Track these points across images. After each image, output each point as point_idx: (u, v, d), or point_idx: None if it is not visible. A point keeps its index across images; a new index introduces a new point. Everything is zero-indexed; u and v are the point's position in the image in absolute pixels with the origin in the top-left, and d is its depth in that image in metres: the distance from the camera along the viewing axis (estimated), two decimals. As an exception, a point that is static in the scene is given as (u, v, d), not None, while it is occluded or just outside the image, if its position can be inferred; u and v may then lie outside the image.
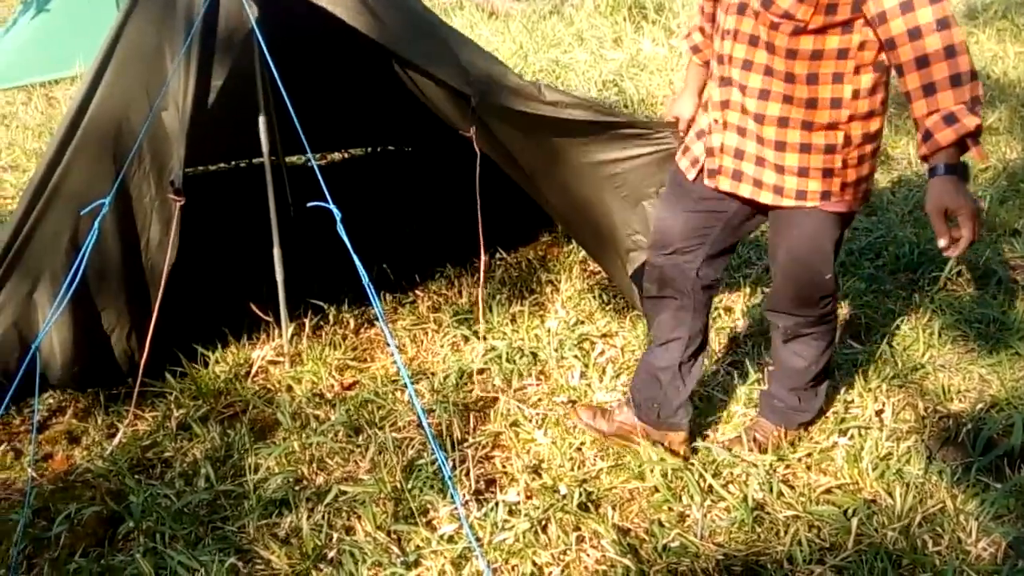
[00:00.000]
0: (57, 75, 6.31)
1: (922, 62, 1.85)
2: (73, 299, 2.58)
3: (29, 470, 2.58)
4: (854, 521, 2.32)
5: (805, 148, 2.11)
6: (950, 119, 1.84)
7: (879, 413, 2.77)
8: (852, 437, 2.66)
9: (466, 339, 3.20)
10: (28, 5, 6.70)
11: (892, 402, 2.81)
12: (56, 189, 2.65)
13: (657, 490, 2.47)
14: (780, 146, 2.13)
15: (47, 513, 2.47)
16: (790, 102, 2.08)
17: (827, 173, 2.13)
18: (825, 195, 2.16)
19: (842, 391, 2.87)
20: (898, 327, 3.22)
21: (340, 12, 2.56)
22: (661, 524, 2.36)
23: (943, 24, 1.83)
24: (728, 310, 3.40)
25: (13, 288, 2.67)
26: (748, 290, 3.48)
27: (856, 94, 2.06)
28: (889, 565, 2.20)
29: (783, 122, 2.10)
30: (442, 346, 3.20)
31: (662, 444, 2.59)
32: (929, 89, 1.85)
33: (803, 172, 2.14)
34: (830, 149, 2.10)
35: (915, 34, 1.84)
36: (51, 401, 2.92)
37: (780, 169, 2.15)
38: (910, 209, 4.10)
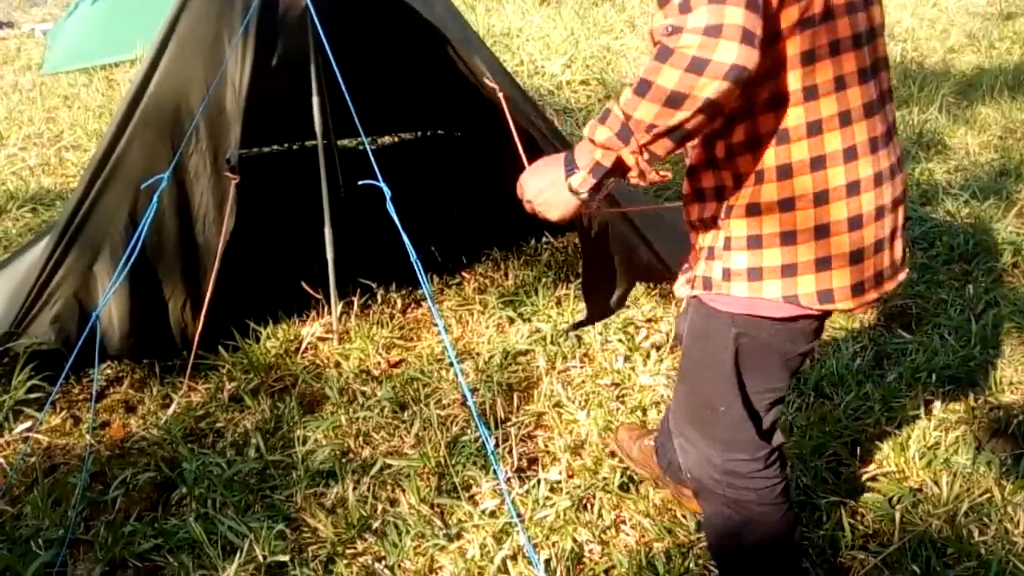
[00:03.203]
0: (117, 58, 6.44)
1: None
2: (131, 272, 2.66)
3: (87, 436, 2.67)
4: (899, 509, 2.30)
5: None
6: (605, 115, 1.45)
7: (928, 403, 2.73)
8: (900, 426, 2.64)
9: (511, 320, 3.23)
10: (90, -10, 6.87)
11: (941, 392, 2.77)
12: (116, 167, 2.73)
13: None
14: None
15: (104, 478, 2.55)
16: None
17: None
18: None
19: (890, 379, 2.84)
20: (950, 318, 3.17)
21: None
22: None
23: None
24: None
25: (74, 260, 2.77)
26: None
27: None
28: (933, 553, 2.18)
29: None
30: (487, 327, 3.23)
31: (676, 497, 2.36)
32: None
33: None
34: None
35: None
36: (109, 371, 3.02)
37: None
38: (965, 199, 4.02)
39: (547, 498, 2.38)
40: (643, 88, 1.36)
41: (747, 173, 1.55)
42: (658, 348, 3.03)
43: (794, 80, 1.48)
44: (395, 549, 2.24)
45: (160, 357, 2.98)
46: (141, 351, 2.94)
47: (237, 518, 2.34)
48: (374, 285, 3.39)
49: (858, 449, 2.56)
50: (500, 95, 2.65)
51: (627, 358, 3.00)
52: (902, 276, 1.69)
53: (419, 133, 4.91)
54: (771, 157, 1.52)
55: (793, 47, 1.46)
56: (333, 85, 2.71)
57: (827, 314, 1.66)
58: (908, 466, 2.47)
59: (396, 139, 4.89)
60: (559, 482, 2.46)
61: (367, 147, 2.58)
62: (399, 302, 3.40)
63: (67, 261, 2.77)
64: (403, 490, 2.44)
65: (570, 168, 1.53)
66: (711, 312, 1.67)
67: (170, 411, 2.81)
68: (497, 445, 2.60)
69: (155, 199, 2.59)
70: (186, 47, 2.68)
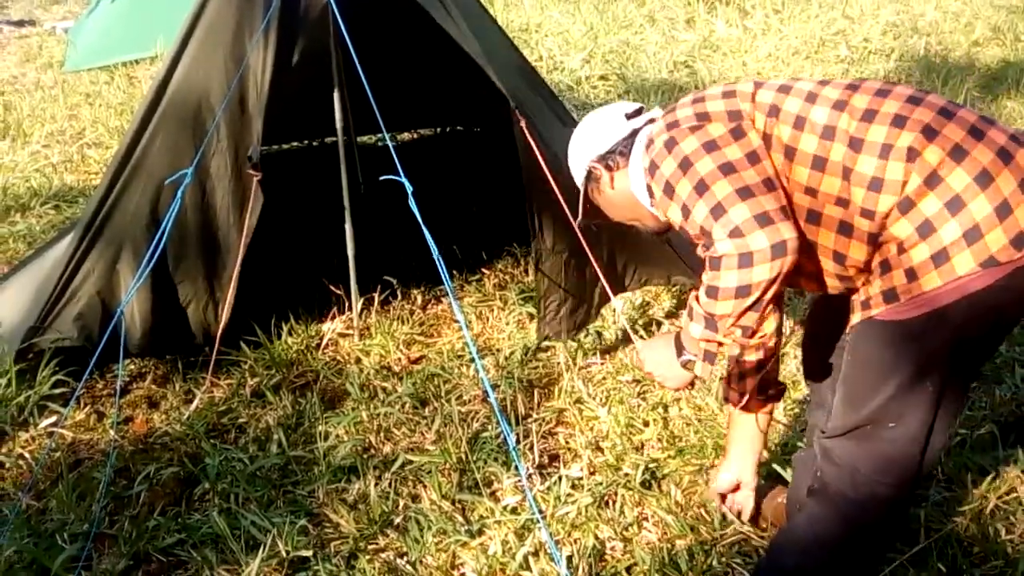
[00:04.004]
0: (138, 55, 6.47)
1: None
2: (153, 270, 2.67)
3: (111, 432, 2.70)
4: (924, 508, 2.28)
5: None
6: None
7: (952, 400, 2.71)
8: (923, 423, 2.61)
9: (531, 316, 3.23)
10: (111, -12, 6.91)
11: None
12: (138, 164, 2.75)
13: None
14: None
15: (127, 473, 2.57)
16: None
17: None
18: None
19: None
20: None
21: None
22: (724, 504, 2.34)
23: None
24: (799, 294, 3.35)
25: (97, 258, 2.79)
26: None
27: None
28: (959, 552, 2.16)
29: None
30: (507, 323, 3.23)
31: None
32: None
33: None
34: None
35: None
36: (132, 367, 3.04)
37: None
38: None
39: (569, 495, 2.38)
40: (712, 292, 1.59)
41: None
42: None
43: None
44: (417, 545, 2.24)
45: (183, 353, 3.00)
46: (164, 347, 2.96)
47: (260, 513, 2.35)
48: (394, 281, 3.39)
49: (882, 447, 2.54)
50: (522, 123, 2.65)
51: (648, 354, 2.99)
52: None
53: (438, 129, 4.91)
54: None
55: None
56: (353, 81, 2.71)
57: None
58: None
59: (415, 135, 4.90)
60: (581, 479, 2.45)
61: (389, 143, 2.58)
62: (419, 298, 3.40)
63: (90, 258, 2.79)
64: (424, 486, 2.45)
65: (680, 353, 1.75)
66: (891, 328, 1.61)
67: (193, 407, 2.82)
68: (518, 441, 2.59)
69: (179, 195, 2.60)
70: (207, 44, 2.69)
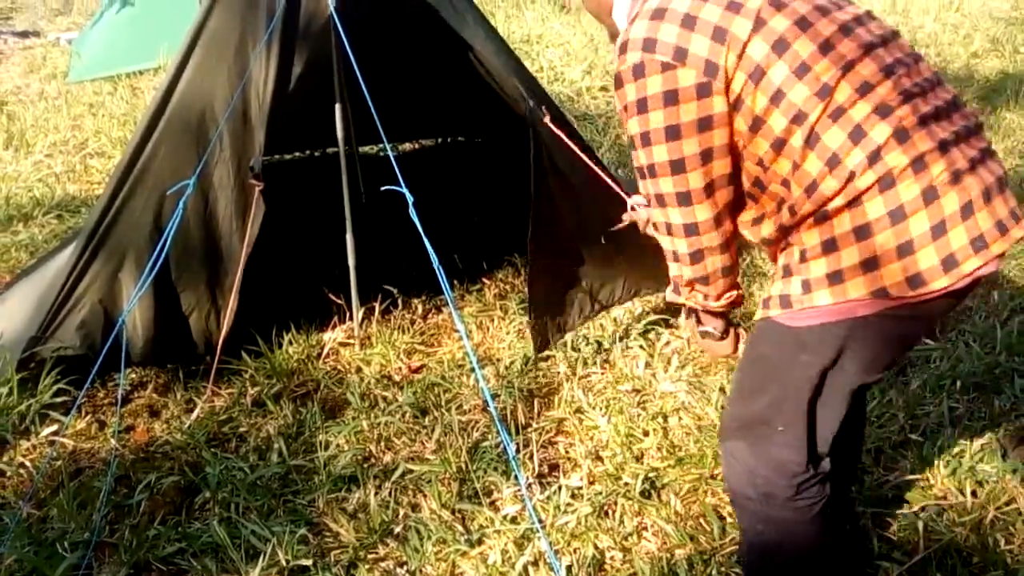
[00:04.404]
0: (141, 66, 6.52)
1: None
2: (155, 279, 2.68)
3: (112, 441, 2.70)
4: (924, 518, 2.29)
5: None
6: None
7: (952, 410, 2.71)
8: (924, 433, 2.62)
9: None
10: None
11: (966, 399, 2.75)
12: (141, 174, 2.76)
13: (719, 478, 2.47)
14: None
15: (128, 482, 2.58)
16: None
17: None
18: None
19: (914, 386, 2.81)
20: (975, 324, 3.15)
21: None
22: (720, 516, 2.35)
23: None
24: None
25: (100, 267, 2.80)
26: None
27: None
28: (959, 562, 2.16)
29: None
30: (508, 333, 3.23)
31: None
32: None
33: None
34: None
35: None
36: (133, 376, 3.04)
37: None
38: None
39: (568, 504, 2.38)
40: (665, 254, 1.75)
41: (804, 186, 1.56)
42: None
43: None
44: (416, 554, 2.24)
45: (184, 362, 3.01)
46: (165, 356, 2.97)
47: (260, 522, 2.36)
48: (395, 291, 3.40)
49: (882, 457, 2.55)
50: (547, 119, 2.66)
51: (648, 364, 3.00)
52: (1003, 246, 1.53)
53: (440, 139, 4.93)
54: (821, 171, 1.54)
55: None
56: (355, 92, 2.73)
57: (927, 311, 1.57)
58: (933, 474, 2.45)
59: (417, 146, 4.92)
60: (580, 488, 2.46)
61: (390, 153, 2.59)
62: (420, 308, 3.41)
63: (93, 267, 2.80)
64: (424, 495, 2.45)
65: (698, 323, 1.92)
66: (783, 331, 1.63)
67: (194, 416, 2.83)
68: (518, 451, 2.60)
69: (180, 205, 2.62)
70: (211, 55, 2.71)
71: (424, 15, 2.74)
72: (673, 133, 1.56)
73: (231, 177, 2.79)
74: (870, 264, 1.51)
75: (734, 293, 1.80)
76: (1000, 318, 3.16)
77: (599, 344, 3.12)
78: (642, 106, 1.57)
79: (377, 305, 3.31)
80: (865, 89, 1.51)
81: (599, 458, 2.58)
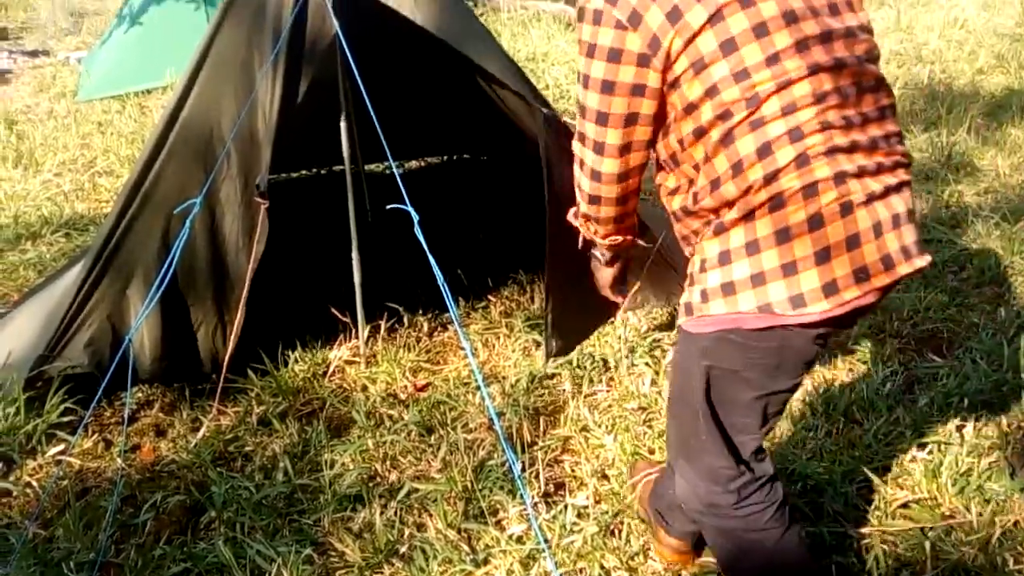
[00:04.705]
0: (150, 85, 6.56)
1: None
2: (163, 296, 2.70)
3: (118, 460, 2.70)
4: (931, 537, 2.27)
5: None
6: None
7: (960, 428, 2.70)
8: (931, 452, 2.60)
9: (537, 344, 3.23)
10: (123, 19, 7.01)
11: (974, 417, 2.74)
12: (149, 192, 2.78)
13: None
14: None
15: (134, 501, 2.58)
16: None
17: None
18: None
19: (921, 404, 2.80)
20: (982, 342, 3.13)
21: (407, 11, 2.65)
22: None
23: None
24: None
25: (108, 285, 2.81)
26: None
27: None
28: (967, 582, 2.15)
29: None
30: (513, 350, 3.23)
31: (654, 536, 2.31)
32: None
33: None
34: None
35: None
36: (140, 395, 3.05)
37: None
38: (996, 221, 3.98)
39: (574, 524, 2.37)
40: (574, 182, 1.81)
41: (708, 195, 1.64)
42: None
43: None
44: (422, 574, 2.24)
45: (190, 381, 3.01)
46: (172, 375, 2.98)
47: (265, 542, 2.35)
48: (401, 309, 3.41)
49: (889, 475, 2.53)
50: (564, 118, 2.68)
51: (654, 381, 2.99)
52: (885, 280, 1.59)
53: (445, 157, 4.95)
54: (728, 181, 1.60)
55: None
56: (361, 110, 2.75)
57: (816, 341, 1.64)
58: (940, 493, 2.44)
59: (423, 163, 4.93)
60: (586, 507, 2.45)
61: (395, 172, 2.61)
62: (426, 325, 3.41)
63: (101, 285, 2.81)
64: (430, 515, 2.44)
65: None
66: (689, 338, 1.72)
67: (200, 435, 2.83)
68: (524, 470, 2.59)
69: (187, 224, 2.63)
70: (218, 74, 2.73)
71: (428, 33, 2.76)
72: (607, 88, 1.61)
73: (238, 195, 2.80)
74: (757, 279, 1.57)
75: (619, 238, 1.90)
76: (1007, 335, 3.15)
77: (604, 362, 3.11)
78: (590, 51, 1.61)
79: (383, 323, 3.31)
80: (789, 109, 1.54)
81: (605, 477, 2.58)
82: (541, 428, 2.79)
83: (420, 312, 3.45)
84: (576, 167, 1.77)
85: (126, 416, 2.83)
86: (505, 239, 3.98)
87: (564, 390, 2.97)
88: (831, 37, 1.59)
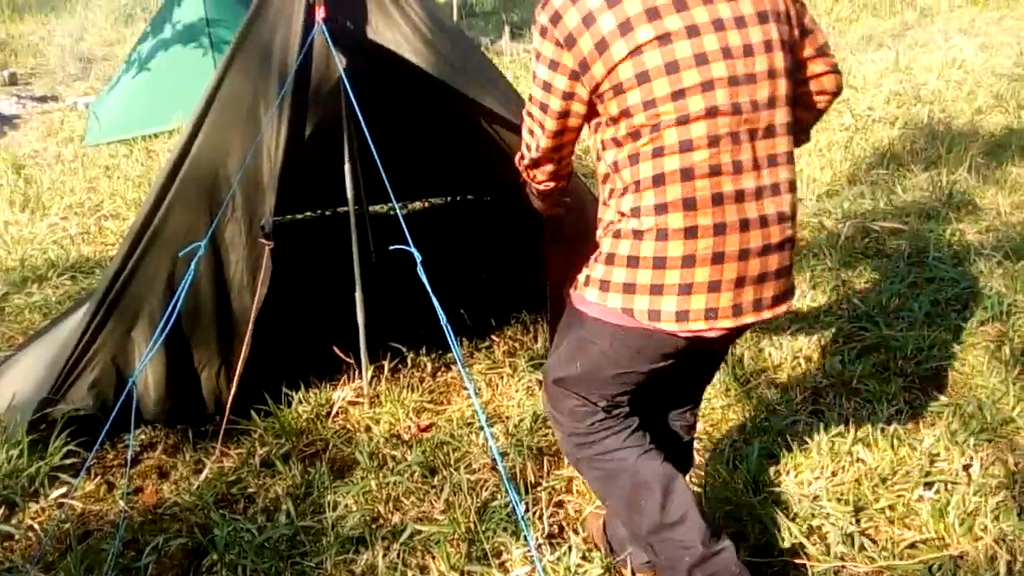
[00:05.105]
0: (157, 129, 6.63)
1: None
2: (167, 338, 2.70)
3: (121, 503, 2.69)
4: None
5: None
6: None
7: (966, 467, 2.68)
8: (938, 491, 2.58)
9: (540, 383, 3.23)
10: (131, 64, 7.10)
11: (980, 456, 2.72)
12: (155, 235, 2.80)
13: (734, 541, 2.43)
14: None
15: (136, 544, 2.56)
16: None
17: None
18: None
19: (927, 444, 2.79)
20: (987, 380, 3.12)
21: (409, 54, 2.69)
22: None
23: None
24: (808, 359, 3.35)
25: (113, 327, 2.82)
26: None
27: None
28: (977, 624, 2.12)
29: None
30: (517, 390, 3.23)
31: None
32: None
33: None
34: None
35: None
36: (143, 437, 3.05)
37: None
38: (998, 259, 3.99)
39: (579, 565, 2.35)
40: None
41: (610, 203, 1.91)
42: None
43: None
44: (425, 617, 2.21)
45: (193, 422, 3.01)
46: (175, 416, 2.97)
47: (267, 585, 2.33)
48: (404, 349, 3.41)
49: (895, 515, 2.51)
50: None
51: (658, 422, 2.98)
52: (729, 324, 1.86)
53: (450, 198, 4.98)
54: (627, 196, 1.85)
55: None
56: (365, 151, 2.78)
57: (678, 349, 1.91)
58: (948, 533, 2.42)
59: (426, 204, 4.97)
60: (591, 549, 2.43)
61: (399, 213, 2.63)
62: (429, 366, 3.42)
63: (106, 328, 2.82)
64: (433, 556, 2.42)
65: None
66: (575, 308, 1.99)
67: (202, 476, 2.82)
68: (527, 510, 2.58)
69: (192, 266, 2.65)
70: (224, 117, 2.77)
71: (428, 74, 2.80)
72: (547, 88, 1.88)
73: (243, 237, 2.82)
74: (629, 288, 1.86)
75: (552, 184, 2.16)
76: (1011, 374, 3.14)
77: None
78: (537, 56, 1.89)
79: (386, 363, 3.31)
80: (686, 147, 1.76)
81: (610, 517, 2.56)
82: (545, 468, 2.78)
83: (424, 352, 3.46)
84: (523, 130, 2.04)
85: (129, 458, 2.82)
86: (508, 279, 3.99)
87: (568, 430, 2.96)
88: (737, 81, 1.77)
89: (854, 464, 2.73)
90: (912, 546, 2.40)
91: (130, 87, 6.95)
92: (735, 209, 1.80)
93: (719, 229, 1.80)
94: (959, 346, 3.37)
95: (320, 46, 2.73)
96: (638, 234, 1.83)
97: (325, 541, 2.51)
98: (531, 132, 2.01)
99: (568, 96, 1.86)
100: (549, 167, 2.09)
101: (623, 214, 1.85)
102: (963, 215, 4.59)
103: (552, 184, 2.16)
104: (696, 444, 2.82)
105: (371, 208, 4.40)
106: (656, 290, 1.83)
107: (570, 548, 2.40)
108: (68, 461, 2.79)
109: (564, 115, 1.90)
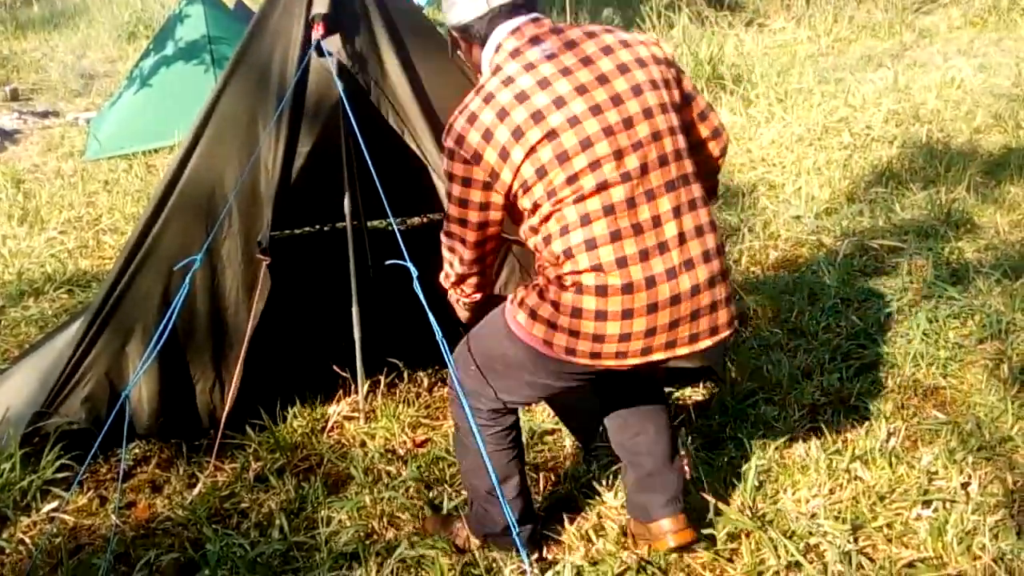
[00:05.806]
0: (157, 144, 6.64)
1: None
2: (161, 352, 2.69)
3: (113, 517, 2.67)
4: (938, 597, 2.23)
5: None
6: None
7: (965, 486, 2.66)
8: (936, 510, 2.56)
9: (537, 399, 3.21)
10: (133, 80, 7.13)
11: (979, 475, 2.70)
12: (151, 249, 2.80)
13: (731, 559, 2.42)
14: None
15: (128, 559, 2.55)
16: None
17: None
18: None
19: (925, 462, 2.77)
20: (985, 398, 3.11)
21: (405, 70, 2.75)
22: (733, 592, 2.30)
23: None
24: (806, 376, 3.34)
25: (107, 341, 2.82)
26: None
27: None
28: (976, 644, 2.10)
29: None
30: (514, 407, 3.21)
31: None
32: None
33: None
34: None
35: None
36: (136, 451, 3.03)
37: None
38: (997, 278, 3.98)
39: (574, 583, 2.33)
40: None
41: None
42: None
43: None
44: (418, 635, 2.19)
45: (187, 437, 2.99)
46: (169, 430, 2.96)
47: (259, 601, 2.31)
48: (401, 364, 3.40)
49: (893, 534, 2.50)
50: None
51: (655, 439, 2.96)
52: (631, 361, 2.06)
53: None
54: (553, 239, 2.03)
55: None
56: (363, 168, 2.78)
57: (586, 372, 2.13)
58: (946, 552, 2.40)
59: (425, 220, 4.96)
60: (586, 566, 2.41)
61: (395, 228, 2.63)
62: (425, 381, 3.40)
63: (100, 341, 2.81)
64: (427, 573, 2.40)
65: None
66: (504, 321, 2.15)
67: (196, 491, 2.81)
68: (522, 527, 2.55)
69: (187, 281, 2.64)
70: (222, 134, 2.77)
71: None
72: (463, 203, 2.10)
73: (239, 252, 2.82)
74: (551, 325, 2.05)
75: (479, 295, 2.35)
76: (1010, 392, 3.12)
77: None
78: (449, 176, 2.10)
79: (382, 378, 3.30)
80: (585, 221, 1.97)
81: (605, 534, 2.54)
82: (541, 485, 2.76)
83: (420, 367, 3.44)
84: (444, 250, 2.23)
85: (121, 472, 2.80)
86: (503, 295, 3.97)
87: (564, 446, 2.95)
88: (621, 154, 1.98)
89: (852, 482, 2.71)
90: (910, 565, 2.38)
91: (131, 103, 6.97)
92: (663, 260, 2.00)
93: (651, 281, 1.99)
94: (957, 364, 3.36)
95: (317, 63, 2.73)
96: (561, 286, 2.03)
97: (318, 557, 2.49)
98: (452, 250, 2.21)
99: (484, 207, 2.08)
100: (475, 279, 2.29)
101: (548, 279, 2.05)
102: (962, 234, 4.58)
103: (480, 294, 2.35)
104: (693, 460, 2.81)
105: (371, 223, 4.40)
106: (573, 334, 2.03)
107: (566, 565, 2.38)
108: (61, 475, 2.78)
109: (483, 225, 2.12)
